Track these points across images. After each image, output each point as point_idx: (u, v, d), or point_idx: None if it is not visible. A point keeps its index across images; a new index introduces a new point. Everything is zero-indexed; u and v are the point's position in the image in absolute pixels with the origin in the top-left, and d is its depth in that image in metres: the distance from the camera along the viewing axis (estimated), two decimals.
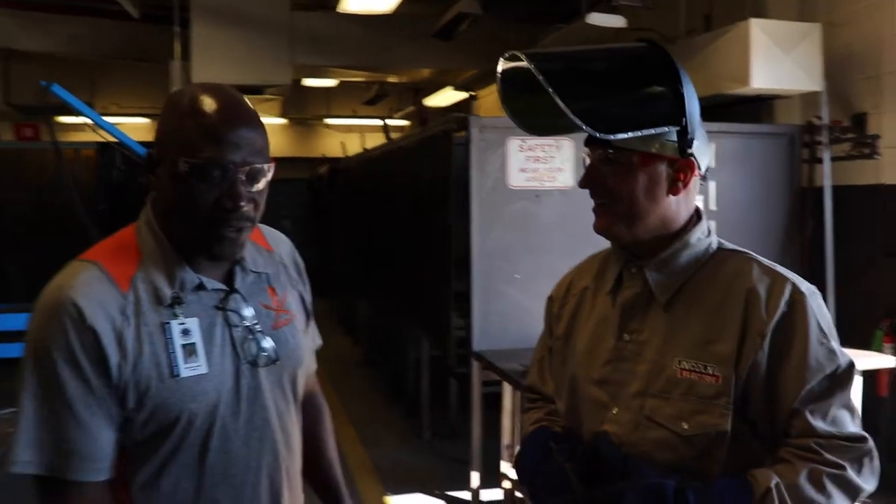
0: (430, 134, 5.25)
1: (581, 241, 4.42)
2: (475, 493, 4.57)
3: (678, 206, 1.51)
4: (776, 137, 4.99)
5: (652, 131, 1.42)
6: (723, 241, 1.57)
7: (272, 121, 12.34)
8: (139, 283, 1.38)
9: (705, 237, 1.54)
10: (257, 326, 1.47)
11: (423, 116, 5.91)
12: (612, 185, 1.47)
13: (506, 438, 4.20)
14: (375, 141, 8.06)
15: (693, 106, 1.45)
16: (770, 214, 4.94)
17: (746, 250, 1.55)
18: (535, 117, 1.60)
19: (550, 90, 1.36)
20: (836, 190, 4.82)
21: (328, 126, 13.08)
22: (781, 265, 1.51)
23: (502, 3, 7.02)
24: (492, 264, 4.48)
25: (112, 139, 6.06)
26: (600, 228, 1.53)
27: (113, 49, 9.00)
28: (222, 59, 7.35)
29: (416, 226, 5.63)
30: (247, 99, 1.43)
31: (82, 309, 1.32)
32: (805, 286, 1.45)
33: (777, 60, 4.63)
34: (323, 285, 13.08)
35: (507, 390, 4.16)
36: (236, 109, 1.38)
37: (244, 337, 1.45)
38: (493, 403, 4.47)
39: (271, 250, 1.60)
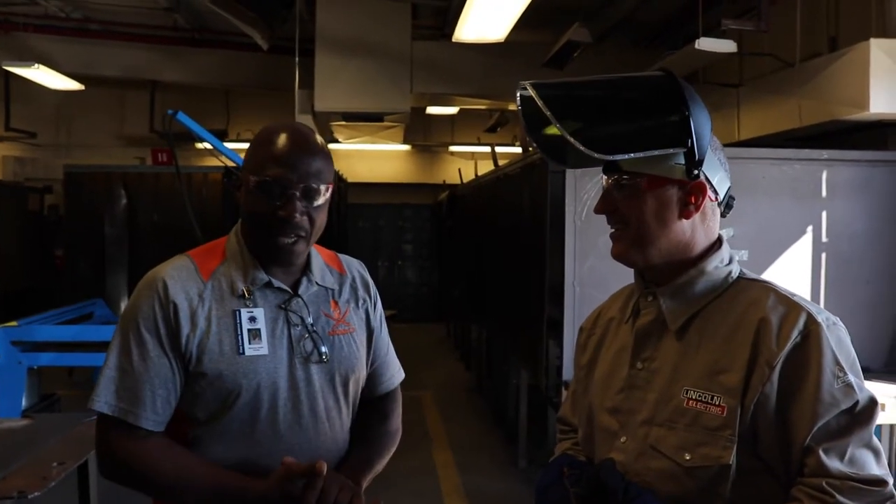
0: (529, 161, 5.23)
1: None
2: None
3: (693, 231, 1.47)
4: None
5: (655, 153, 1.40)
6: (745, 270, 1.52)
7: (394, 147, 12.59)
8: (219, 276, 1.68)
9: (724, 265, 1.49)
10: (314, 328, 1.71)
11: (526, 144, 5.89)
12: (623, 209, 1.46)
13: None
14: (489, 168, 8.11)
15: (703, 128, 1.42)
16: (889, 247, 4.63)
17: (768, 280, 1.49)
18: (563, 150, 1.59)
19: (548, 113, 1.38)
20: None
21: (452, 153, 13.25)
22: None
23: (614, 31, 6.94)
24: (585, 293, 4.41)
25: (232, 164, 6.35)
26: (616, 254, 1.51)
27: (244, 79, 9.50)
28: (344, 88, 7.60)
29: (517, 253, 5.62)
30: (319, 138, 1.70)
31: (168, 286, 1.63)
32: (824, 316, 1.38)
33: None
34: (442, 309, 13.18)
35: None
36: (300, 140, 1.65)
37: (301, 335, 1.69)
38: None
39: (344, 273, 1.85)
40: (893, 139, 5.09)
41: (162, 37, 9.19)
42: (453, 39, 6.72)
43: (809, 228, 4.61)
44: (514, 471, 5.75)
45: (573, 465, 1.56)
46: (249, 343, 1.64)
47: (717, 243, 1.51)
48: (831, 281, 4.58)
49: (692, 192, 1.44)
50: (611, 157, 1.39)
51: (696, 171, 1.42)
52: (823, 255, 4.62)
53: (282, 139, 1.65)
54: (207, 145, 6.29)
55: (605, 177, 1.50)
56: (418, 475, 5.49)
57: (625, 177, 1.44)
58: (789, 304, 1.39)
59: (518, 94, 1.50)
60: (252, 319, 1.65)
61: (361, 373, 1.80)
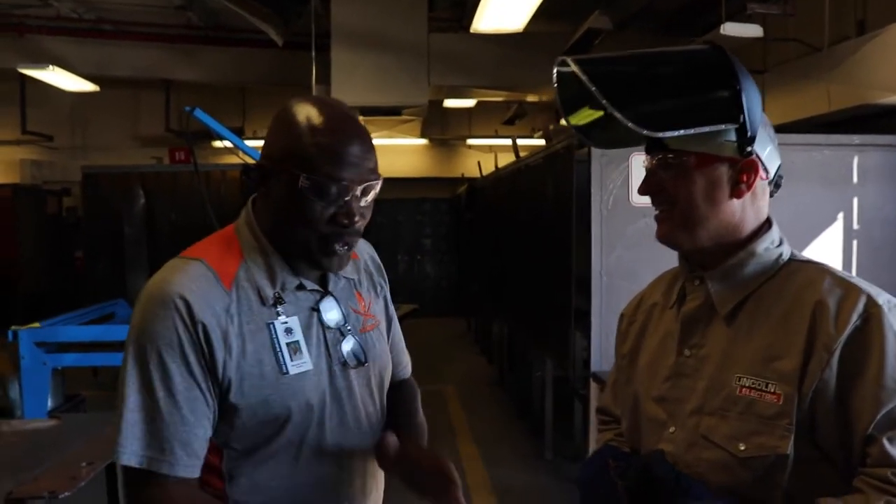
0: (552, 151, 5.17)
1: None
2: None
3: (743, 212, 1.40)
4: None
5: (706, 129, 1.33)
6: (796, 252, 1.45)
7: (412, 141, 12.56)
8: (242, 282, 1.43)
9: (775, 247, 1.42)
10: (348, 328, 1.53)
11: (548, 134, 5.82)
12: (670, 189, 1.39)
13: None
14: (509, 160, 8.03)
15: (754, 104, 1.35)
16: None
17: (821, 262, 1.41)
18: (604, 131, 1.53)
19: (594, 89, 1.30)
20: None
21: (469, 146, 13.19)
22: None
23: (635, 19, 6.86)
24: (612, 283, 4.35)
25: (251, 161, 6.32)
26: (661, 236, 1.44)
27: (259, 76, 9.47)
28: (361, 82, 7.55)
29: (540, 244, 5.56)
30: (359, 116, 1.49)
31: (191, 304, 1.36)
32: (884, 298, 1.30)
33: None
34: (461, 304, 13.17)
35: None
36: (351, 127, 1.43)
37: (336, 338, 1.51)
38: None
39: (357, 258, 1.65)
40: None
41: (175, 35, 9.17)
42: (471, 30, 6.66)
43: (840, 215, 4.53)
44: (541, 463, 5.70)
45: (618, 456, 1.50)
46: (291, 360, 1.43)
47: (767, 224, 1.44)
48: (862, 268, 4.49)
49: (743, 170, 1.37)
50: (661, 134, 1.31)
51: (748, 148, 1.35)
52: (855, 242, 4.54)
53: (332, 126, 1.41)
54: (225, 143, 6.25)
55: (647, 156, 1.43)
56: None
57: (670, 155, 1.38)
58: (847, 287, 1.32)
59: (556, 71, 1.43)
60: (288, 331, 1.44)
61: (390, 367, 1.68)
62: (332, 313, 1.52)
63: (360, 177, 1.41)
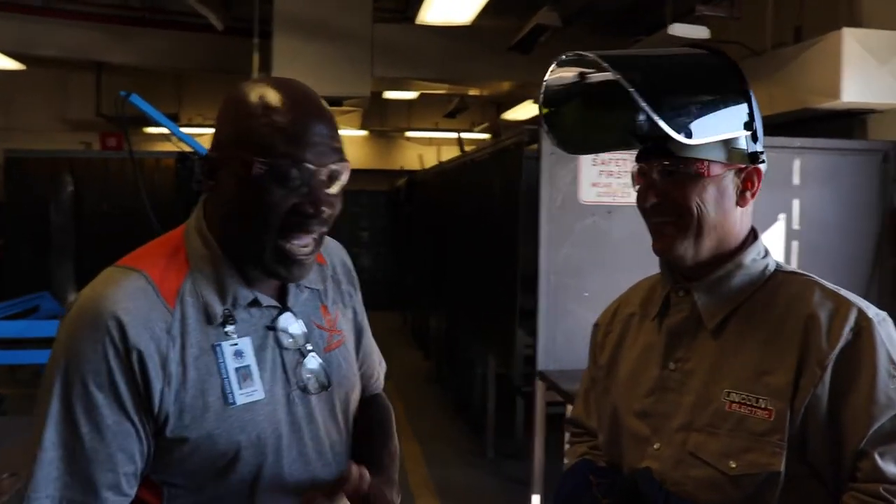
0: (501, 146, 5.14)
1: (653, 259, 4.22)
2: None
3: (742, 221, 1.38)
4: (868, 154, 4.68)
5: (728, 135, 1.31)
6: (781, 262, 1.43)
7: (352, 132, 12.42)
8: (187, 297, 1.24)
9: (761, 258, 1.40)
10: (309, 348, 1.34)
11: (496, 129, 5.79)
12: (678, 199, 1.34)
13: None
14: (452, 154, 8.00)
15: (757, 110, 1.34)
16: (859, 236, 4.64)
17: (807, 273, 1.40)
18: (580, 132, 1.48)
19: (633, 90, 1.22)
20: None
21: (409, 139, 13.11)
22: (869, 291, 1.36)
23: (583, 15, 6.87)
24: (560, 281, 4.34)
25: (189, 149, 6.14)
26: (663, 249, 1.39)
27: (198, 61, 9.20)
28: (303, 71, 7.38)
29: (486, 240, 5.53)
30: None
31: (125, 326, 1.18)
32: (873, 311, 1.29)
33: (871, 72, 4.36)
34: (398, 298, 13.15)
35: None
36: (311, 105, 1.25)
37: (296, 360, 1.32)
38: (557, 424, 4.31)
39: (324, 263, 1.46)
40: (860, 128, 5.11)
41: (109, 16, 8.82)
42: (417, 22, 6.60)
43: (782, 216, 4.60)
44: (483, 462, 5.68)
45: (598, 472, 1.47)
46: (240, 388, 1.24)
47: (752, 234, 1.42)
48: (803, 269, 4.56)
49: (748, 178, 1.35)
50: (694, 141, 1.26)
51: (761, 156, 1.34)
52: (795, 244, 4.62)
53: (288, 104, 1.22)
54: (159, 130, 6.07)
55: (642, 164, 1.37)
56: None
57: (677, 163, 1.32)
58: (837, 299, 1.31)
59: (555, 68, 1.38)
60: (238, 355, 1.25)
61: (358, 389, 1.48)
62: (291, 332, 1.33)
63: (325, 159, 1.23)
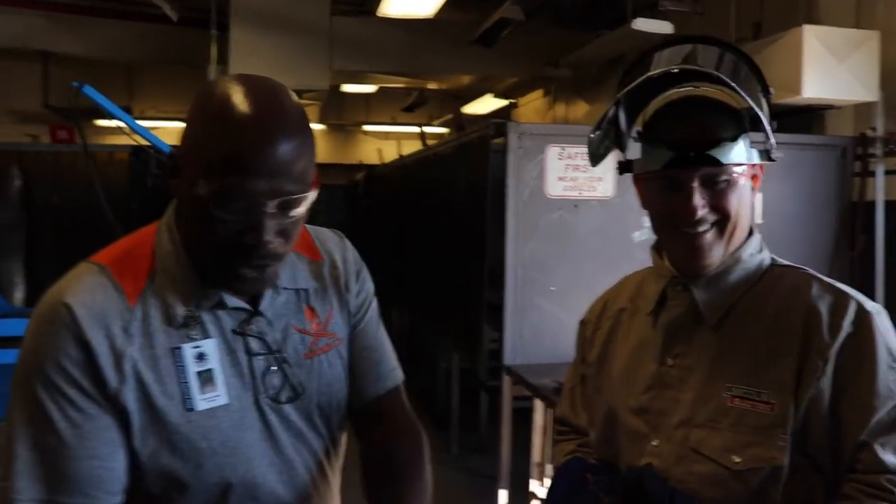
0: (466, 140, 5.12)
1: (620, 252, 4.24)
2: None
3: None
4: (827, 149, 4.78)
5: (770, 136, 1.32)
6: (775, 256, 1.43)
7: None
8: (149, 298, 1.19)
9: (758, 252, 1.40)
10: (283, 355, 1.27)
11: (460, 122, 5.74)
12: (723, 206, 1.32)
13: (536, 456, 4.05)
14: (412, 148, 7.96)
15: None
16: (819, 229, 4.73)
17: (803, 266, 1.40)
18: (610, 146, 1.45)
19: (764, 118, 1.27)
20: (889, 205, 4.60)
21: (366, 133, 13.03)
22: None
23: (545, 9, 6.87)
24: (526, 275, 4.33)
25: (145, 142, 6.01)
26: (707, 263, 1.35)
27: (151, 53, 9.00)
28: (260, 63, 7.27)
29: (451, 234, 5.51)
30: (294, 101, 1.18)
31: (78, 318, 1.13)
32: (871, 304, 1.30)
33: (831, 69, 4.42)
34: None
35: (539, 406, 4.01)
36: (275, 123, 1.12)
37: (266, 367, 1.25)
38: (523, 419, 4.31)
39: (320, 260, 1.37)
40: (818, 124, 5.19)
41: (58, 4, 8.57)
42: (378, 14, 6.54)
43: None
44: (447, 457, 5.66)
45: (595, 470, 1.45)
46: (201, 392, 1.18)
47: (749, 229, 1.41)
48: None
49: (756, 174, 1.36)
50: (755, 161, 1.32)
51: (776, 151, 1.33)
52: (757, 238, 4.68)
53: (249, 119, 1.10)
54: (112, 123, 5.92)
55: (665, 172, 1.31)
56: (345, 463, 5.29)
57: (717, 170, 1.29)
58: (836, 293, 1.31)
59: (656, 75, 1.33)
60: (200, 358, 1.19)
61: (344, 395, 1.38)
62: (262, 336, 1.25)
63: (276, 188, 1.11)
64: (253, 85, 1.15)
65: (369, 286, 1.46)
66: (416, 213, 6.82)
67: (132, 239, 1.28)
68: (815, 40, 4.44)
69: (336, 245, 1.43)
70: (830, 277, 1.37)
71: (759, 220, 4.57)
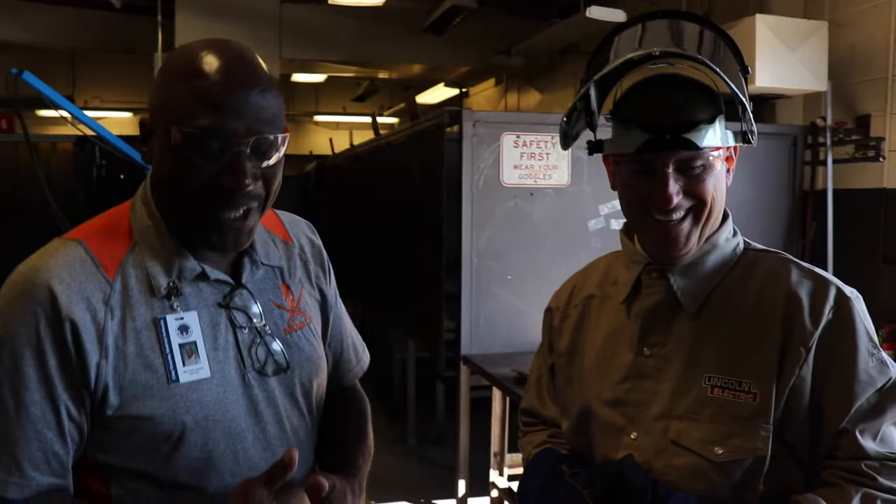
0: (421, 128, 5.06)
1: (576, 240, 4.23)
2: (461, 501, 4.39)
3: None
4: (778, 138, 4.83)
5: (749, 117, 1.28)
6: (749, 240, 1.40)
7: None
8: (129, 269, 1.19)
9: (732, 237, 1.37)
10: (266, 329, 1.29)
11: (413, 111, 5.68)
12: (699, 192, 1.27)
13: (494, 446, 4.03)
14: (364, 138, 7.86)
15: None
16: (770, 217, 4.79)
17: (778, 250, 1.38)
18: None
19: (735, 89, 1.21)
20: (839, 193, 4.67)
21: (317, 123, 12.87)
22: None
23: None
24: (483, 264, 4.30)
25: (90, 132, 5.83)
26: (683, 250, 1.30)
27: (95, 40, 8.76)
28: None
29: (406, 224, 5.45)
30: (258, 58, 1.22)
31: (57, 295, 1.13)
32: (849, 290, 1.28)
33: (782, 58, 4.47)
34: None
35: (497, 396, 3.99)
36: (241, 68, 1.17)
37: (251, 340, 1.26)
38: (481, 409, 4.29)
39: (290, 241, 1.42)
40: (769, 113, 5.25)
41: None
42: (329, 1, 6.44)
43: None
44: (404, 448, 5.62)
45: (571, 462, 1.41)
46: (184, 364, 1.19)
47: (723, 213, 1.38)
48: None
49: (730, 156, 1.33)
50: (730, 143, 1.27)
51: (754, 133, 1.29)
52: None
53: (216, 65, 1.15)
54: (53, 113, 5.74)
55: (639, 156, 1.26)
56: None
57: (694, 154, 1.25)
58: (815, 278, 1.29)
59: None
60: (183, 330, 1.19)
61: (324, 372, 1.42)
62: (246, 311, 1.27)
63: (249, 127, 1.15)
64: (217, 41, 1.20)
65: (334, 279, 1.51)
66: (369, 202, 6.74)
67: (105, 217, 1.28)
68: (766, 30, 4.48)
69: (305, 232, 1.48)
70: None
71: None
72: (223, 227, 1.20)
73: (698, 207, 1.28)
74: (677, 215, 1.28)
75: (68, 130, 6.26)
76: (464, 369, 4.26)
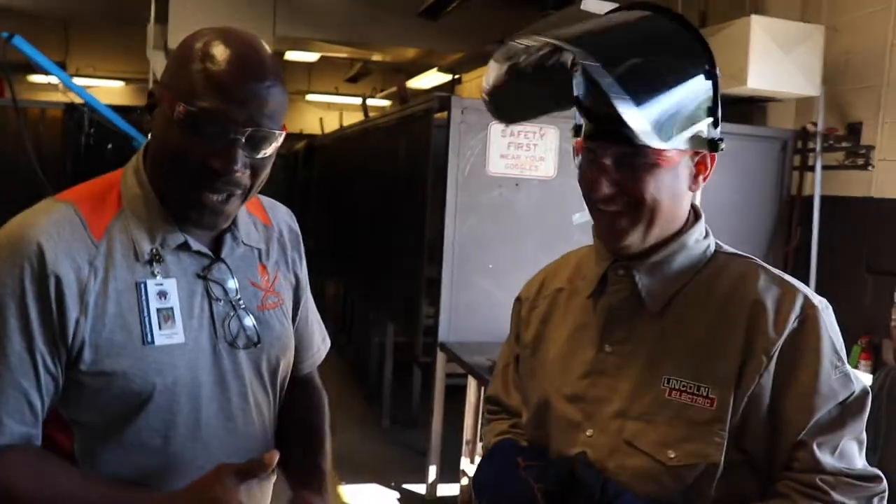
0: (409, 112, 5.03)
1: (559, 233, 4.21)
2: (431, 487, 4.40)
3: (686, 204, 1.31)
4: (768, 141, 4.83)
5: (694, 130, 1.20)
6: (721, 243, 1.37)
7: None
8: (115, 233, 1.24)
9: (703, 238, 1.34)
10: (241, 303, 1.34)
11: (404, 95, 5.63)
12: (634, 190, 1.23)
13: (467, 434, 4.04)
14: (354, 119, 7.81)
15: (719, 90, 1.25)
16: (755, 221, 4.79)
17: (748, 255, 1.35)
18: (522, 104, 1.31)
19: (618, 105, 1.09)
20: (826, 200, 4.67)
21: (309, 102, 12.79)
22: None
23: None
24: (464, 252, 4.30)
25: (79, 100, 5.78)
26: (617, 243, 1.28)
27: (86, 7, 8.66)
28: (201, 23, 6.95)
29: (390, 207, 5.43)
30: (270, 53, 1.26)
31: (45, 252, 1.18)
32: (818, 299, 1.26)
33: (776, 61, 4.46)
34: None
35: (472, 384, 3.99)
36: (252, 61, 1.22)
37: (226, 313, 1.32)
38: (456, 396, 4.29)
39: (270, 225, 1.47)
40: (760, 115, 5.25)
41: None
42: None
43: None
44: (377, 431, 5.61)
45: (527, 454, 1.39)
46: (160, 328, 1.23)
47: (694, 214, 1.35)
48: None
49: (703, 162, 1.28)
50: (666, 145, 1.16)
51: (721, 143, 1.24)
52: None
53: (228, 55, 1.19)
54: (45, 79, 5.69)
55: (587, 143, 1.24)
56: None
57: (630, 151, 1.20)
58: (783, 285, 1.27)
59: (507, 48, 1.21)
60: (162, 296, 1.24)
61: (291, 353, 1.47)
62: (223, 284, 1.32)
63: (249, 118, 1.20)
64: (232, 31, 1.25)
65: (306, 267, 1.56)
66: (356, 185, 6.71)
67: (96, 182, 1.32)
68: (761, 31, 4.47)
69: (285, 218, 1.53)
70: None
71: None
72: (204, 206, 1.24)
73: (635, 205, 1.25)
74: (613, 208, 1.25)
75: (59, 97, 6.21)
76: (440, 356, 4.26)
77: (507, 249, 4.29)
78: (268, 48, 1.27)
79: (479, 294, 4.28)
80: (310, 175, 10.08)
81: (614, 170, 1.23)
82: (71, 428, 1.24)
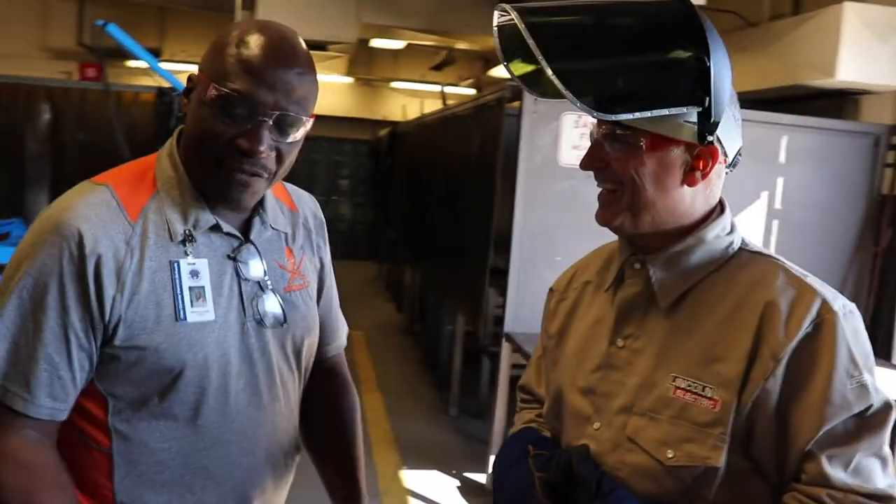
0: (483, 102, 5.00)
1: None
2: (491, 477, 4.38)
3: (694, 199, 1.26)
4: (859, 136, 4.60)
5: (665, 112, 1.15)
6: (748, 240, 1.31)
7: (336, 79, 12.15)
8: (150, 215, 1.30)
9: (725, 234, 1.28)
10: (269, 284, 1.39)
11: (481, 85, 5.58)
12: (616, 168, 1.22)
13: None
14: (435, 107, 7.82)
15: (723, 83, 1.19)
16: (843, 220, 4.58)
17: (774, 254, 1.29)
18: (539, 81, 1.30)
19: (539, 55, 1.11)
20: None
21: (394, 89, 12.88)
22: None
23: None
24: (533, 244, 4.25)
25: (169, 85, 5.96)
26: (602, 219, 1.29)
27: None
28: (288, 11, 7.16)
29: (462, 197, 5.42)
30: (305, 47, 1.32)
31: (83, 234, 1.23)
32: (840, 303, 1.18)
33: (870, 51, 4.24)
34: (374, 248, 13.04)
35: None
36: (284, 49, 1.28)
37: (254, 293, 1.37)
38: None
39: (296, 210, 1.53)
40: (852, 109, 5.01)
41: None
42: None
43: (764, 194, 4.52)
44: (445, 418, 5.64)
45: (539, 443, 1.39)
46: (192, 306, 1.29)
47: (719, 208, 1.30)
48: (780, 250, 4.50)
49: (701, 156, 1.22)
50: (613, 117, 1.15)
51: (709, 137, 1.19)
52: (776, 223, 4.54)
53: (261, 42, 1.25)
54: (141, 63, 5.88)
55: (595, 123, 1.26)
56: None
57: (620, 130, 1.20)
58: (801, 287, 1.20)
59: (496, 16, 1.24)
60: (194, 275, 1.29)
61: (316, 334, 1.52)
62: (251, 265, 1.37)
63: (277, 103, 1.25)
64: (270, 23, 1.31)
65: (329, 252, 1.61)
66: (433, 172, 6.73)
67: (132, 165, 1.39)
68: (855, 19, 4.25)
69: (309, 205, 1.58)
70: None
71: (777, 205, 4.45)
72: (231, 183, 1.28)
73: (620, 185, 1.23)
74: (606, 186, 1.26)
75: (153, 82, 6.41)
76: (505, 346, 4.24)
77: (575, 242, 4.18)
78: (302, 42, 1.32)
79: (546, 286, 4.20)
80: (392, 162, 10.17)
81: (605, 148, 1.23)
82: (106, 399, 1.30)
